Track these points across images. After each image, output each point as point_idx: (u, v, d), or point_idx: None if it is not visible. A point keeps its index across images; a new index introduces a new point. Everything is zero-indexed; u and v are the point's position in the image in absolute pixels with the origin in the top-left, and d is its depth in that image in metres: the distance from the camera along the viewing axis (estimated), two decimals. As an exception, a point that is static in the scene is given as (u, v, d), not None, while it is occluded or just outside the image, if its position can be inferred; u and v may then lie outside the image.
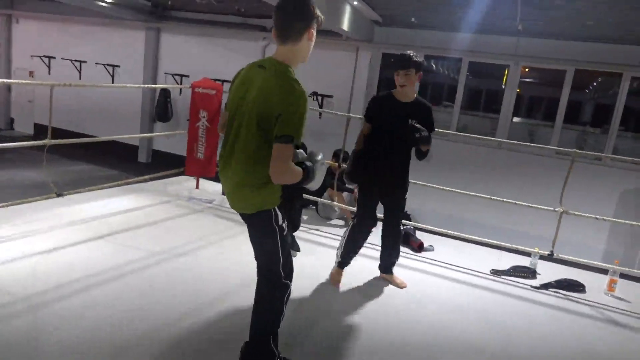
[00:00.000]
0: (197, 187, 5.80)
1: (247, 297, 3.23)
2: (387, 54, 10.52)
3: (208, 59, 11.60)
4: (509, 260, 4.55)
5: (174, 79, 12.05)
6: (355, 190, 5.25)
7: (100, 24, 12.91)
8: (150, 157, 13.18)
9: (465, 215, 8.71)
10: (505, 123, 9.60)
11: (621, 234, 8.28)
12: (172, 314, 2.93)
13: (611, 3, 6.27)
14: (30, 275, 3.17)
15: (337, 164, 5.19)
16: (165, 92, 11.94)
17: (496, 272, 4.29)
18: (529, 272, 4.29)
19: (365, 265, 4.03)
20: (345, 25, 8.56)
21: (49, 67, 14.07)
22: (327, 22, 8.14)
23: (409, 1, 7.95)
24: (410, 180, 3.64)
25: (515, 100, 9.53)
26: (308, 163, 2.12)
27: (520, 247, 4.55)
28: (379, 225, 3.74)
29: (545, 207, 4.55)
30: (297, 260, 4.04)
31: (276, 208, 2.22)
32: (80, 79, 13.41)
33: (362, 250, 3.79)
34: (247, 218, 2.31)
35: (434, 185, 4.94)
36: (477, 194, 4.96)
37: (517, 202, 4.72)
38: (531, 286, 4.10)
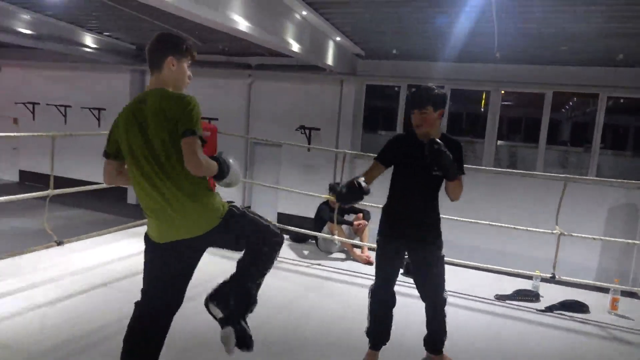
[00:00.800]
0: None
1: (261, 339, 3.24)
2: (370, 85, 10.80)
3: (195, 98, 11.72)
4: (511, 284, 4.61)
5: (161, 119, 12.10)
6: (355, 223, 5.31)
7: (84, 69, 13.00)
8: (139, 198, 13.10)
9: (459, 241, 8.79)
10: (490, 147, 9.83)
11: (614, 250, 8.44)
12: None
13: (581, 29, 6.61)
14: (38, 329, 3.12)
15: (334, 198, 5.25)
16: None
17: (500, 297, 4.34)
18: (532, 295, 4.35)
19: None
20: (330, 60, 8.79)
21: (33, 113, 14.03)
22: (312, 57, 8.40)
23: (388, 35, 8.23)
24: None
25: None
26: (221, 157, 2.25)
27: (521, 271, 4.62)
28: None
29: (544, 231, 4.66)
30: (304, 298, 4.06)
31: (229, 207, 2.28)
32: (65, 123, 13.41)
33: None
34: (199, 241, 2.24)
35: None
36: (475, 221, 5.02)
37: (516, 227, 4.82)
38: (536, 309, 4.16)
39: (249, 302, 2.33)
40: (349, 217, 5.50)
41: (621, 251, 8.44)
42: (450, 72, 9.37)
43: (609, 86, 8.55)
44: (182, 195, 2.15)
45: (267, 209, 11.32)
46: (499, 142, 10.20)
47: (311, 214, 5.74)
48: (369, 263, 5.05)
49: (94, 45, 10.60)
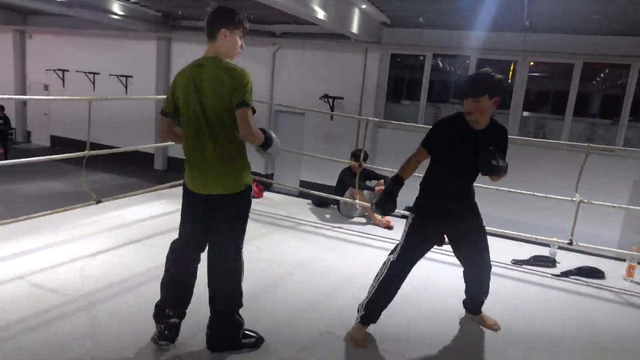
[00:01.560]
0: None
1: (282, 293, 3.43)
2: (395, 54, 10.71)
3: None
4: (528, 251, 4.70)
5: (187, 86, 12.28)
6: (377, 188, 5.43)
7: (112, 36, 13.20)
8: (166, 164, 13.45)
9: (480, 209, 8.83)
10: (516, 117, 9.73)
11: (635, 222, 8.38)
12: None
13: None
14: (79, 277, 3.38)
15: (357, 163, 5.37)
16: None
17: (517, 262, 4.44)
18: (549, 261, 4.44)
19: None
20: (355, 28, 8.74)
21: (63, 80, 14.39)
22: (337, 25, 8.37)
23: (416, 2, 8.12)
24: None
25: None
26: (267, 131, 2.49)
27: (539, 238, 4.70)
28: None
29: (563, 198, 4.70)
30: (324, 257, 4.24)
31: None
32: (94, 90, 13.72)
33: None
34: (218, 201, 2.47)
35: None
36: (496, 187, 5.08)
37: (535, 194, 4.87)
38: (552, 274, 4.25)
39: (238, 329, 2.67)
40: (371, 183, 5.62)
41: (644, 224, 8.38)
42: (477, 42, 9.22)
43: (642, 56, 8.33)
44: (222, 156, 2.42)
45: (290, 177, 11.53)
46: (525, 114, 10.07)
47: (333, 182, 5.87)
48: (389, 228, 5.20)
49: (122, 13, 10.76)
